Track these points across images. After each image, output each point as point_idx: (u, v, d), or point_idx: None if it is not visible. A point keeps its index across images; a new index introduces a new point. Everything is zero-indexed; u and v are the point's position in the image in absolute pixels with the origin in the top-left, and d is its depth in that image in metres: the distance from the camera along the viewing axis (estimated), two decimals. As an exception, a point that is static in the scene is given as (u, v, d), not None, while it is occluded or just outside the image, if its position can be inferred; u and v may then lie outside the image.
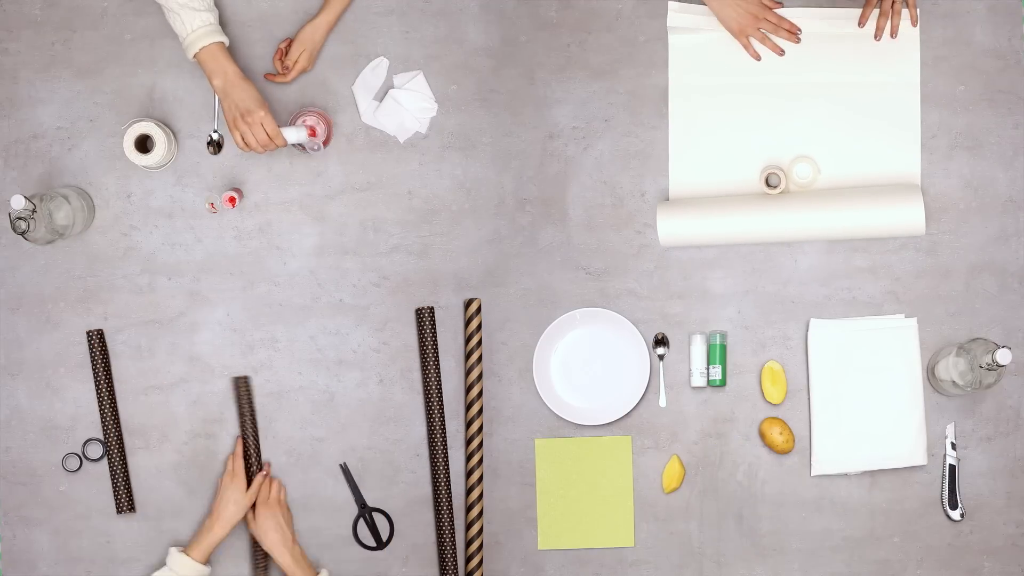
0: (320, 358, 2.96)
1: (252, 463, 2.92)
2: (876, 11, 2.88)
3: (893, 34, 2.86)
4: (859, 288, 2.92)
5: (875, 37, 2.86)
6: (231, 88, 2.79)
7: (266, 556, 2.92)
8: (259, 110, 2.78)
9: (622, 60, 2.95)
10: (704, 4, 2.87)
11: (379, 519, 2.95)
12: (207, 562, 2.86)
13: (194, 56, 2.79)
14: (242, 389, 2.92)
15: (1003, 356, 2.60)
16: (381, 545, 2.94)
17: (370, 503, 2.95)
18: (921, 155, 2.92)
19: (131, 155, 2.88)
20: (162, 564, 2.94)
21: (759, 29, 2.87)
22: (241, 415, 2.93)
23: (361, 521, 2.95)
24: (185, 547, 2.88)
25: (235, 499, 2.88)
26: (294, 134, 2.81)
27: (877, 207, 2.81)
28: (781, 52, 2.88)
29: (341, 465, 2.94)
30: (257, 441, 2.93)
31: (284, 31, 2.97)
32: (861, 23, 2.86)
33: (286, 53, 2.92)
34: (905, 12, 2.87)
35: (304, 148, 2.90)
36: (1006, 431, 2.90)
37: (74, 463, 2.96)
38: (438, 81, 2.96)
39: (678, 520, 2.93)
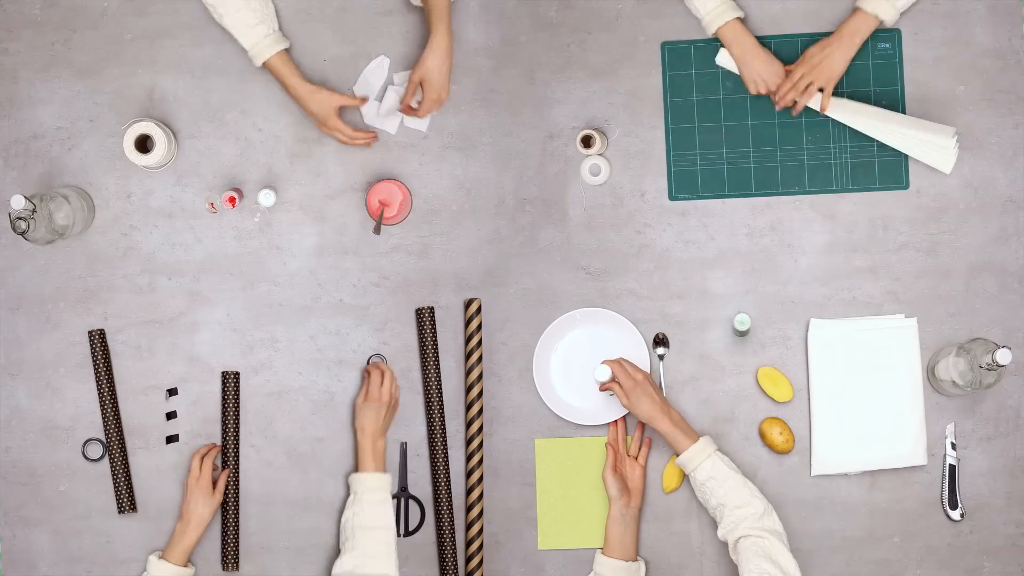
0: (320, 358, 2.96)
1: (228, 459, 2.93)
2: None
3: (795, 112, 2.90)
4: (859, 288, 2.92)
5: (776, 106, 2.90)
6: (299, 101, 2.87)
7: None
8: (328, 120, 2.86)
9: (622, 60, 2.95)
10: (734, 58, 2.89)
11: (406, 513, 2.94)
12: (187, 564, 2.87)
13: (263, 66, 2.88)
14: (230, 385, 2.92)
15: (1003, 356, 2.61)
16: (406, 532, 2.93)
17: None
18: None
19: (131, 155, 2.88)
20: (143, 572, 2.94)
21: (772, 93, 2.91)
22: (225, 411, 2.93)
23: (393, 504, 2.94)
24: (162, 552, 2.88)
25: (203, 500, 2.88)
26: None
27: (914, 126, 2.86)
28: (795, 110, 2.92)
29: (401, 443, 2.93)
30: (237, 437, 2.93)
31: (284, 29, 2.97)
32: (778, 106, 2.91)
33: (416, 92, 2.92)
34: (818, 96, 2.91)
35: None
36: (1006, 431, 2.90)
37: (96, 450, 2.96)
38: (438, 81, 2.96)
39: (678, 520, 2.93)
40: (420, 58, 2.83)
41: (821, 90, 2.87)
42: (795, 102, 2.88)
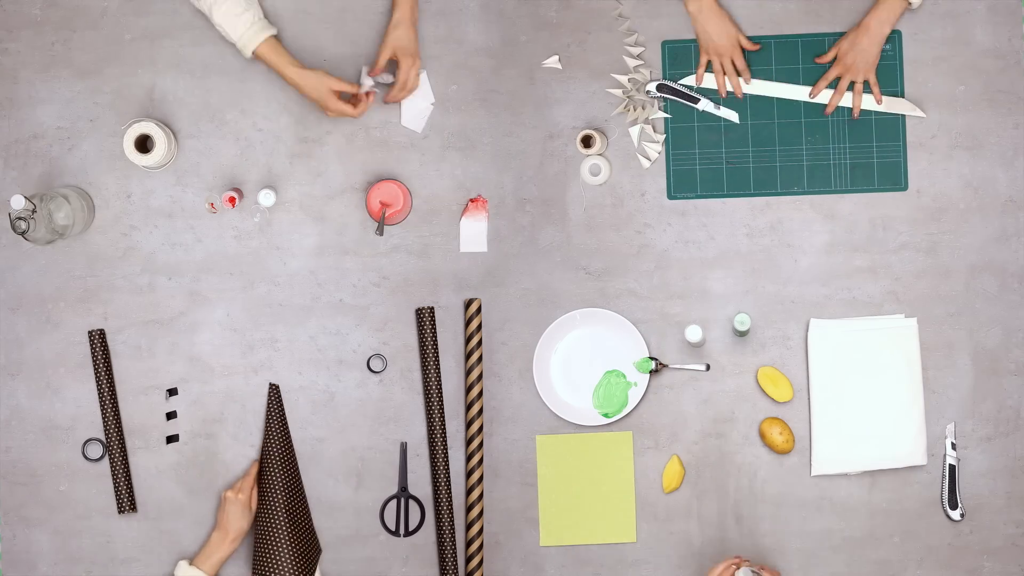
0: (320, 358, 2.96)
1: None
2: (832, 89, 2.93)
3: (855, 114, 2.90)
4: (859, 288, 2.92)
5: (825, 111, 2.90)
6: (295, 86, 2.85)
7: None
8: (328, 102, 2.84)
9: (621, 61, 2.95)
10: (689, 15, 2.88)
11: (406, 513, 2.95)
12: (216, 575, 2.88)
13: (253, 55, 2.85)
14: (272, 399, 2.92)
15: None
16: (406, 532, 2.93)
17: (370, 502, 2.95)
18: (921, 155, 2.92)
19: (131, 155, 2.88)
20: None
21: (723, 61, 2.89)
22: (270, 425, 2.92)
23: (391, 504, 2.94)
24: (192, 559, 2.88)
25: (242, 513, 2.87)
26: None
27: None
28: (731, 95, 2.90)
29: (401, 443, 2.93)
30: (290, 446, 2.93)
31: (284, 29, 2.97)
32: (812, 95, 2.90)
33: (385, 70, 2.91)
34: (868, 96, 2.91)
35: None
36: (1006, 431, 2.90)
37: (96, 450, 2.96)
38: (438, 81, 2.96)
39: (678, 520, 2.93)
40: (385, 32, 2.86)
41: (850, 85, 2.88)
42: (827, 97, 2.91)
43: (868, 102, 2.91)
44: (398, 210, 2.88)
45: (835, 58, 2.89)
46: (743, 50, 2.91)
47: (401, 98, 2.91)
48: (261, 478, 2.89)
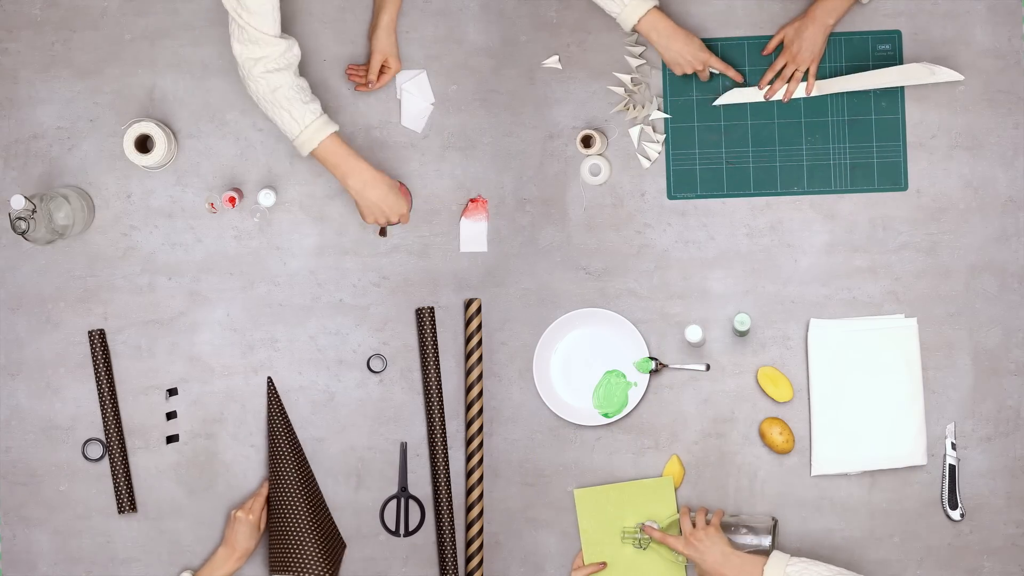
0: (320, 358, 2.96)
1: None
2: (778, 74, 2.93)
3: (785, 98, 2.90)
4: (859, 288, 2.92)
5: (765, 96, 2.90)
6: (369, 189, 2.76)
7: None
8: (401, 211, 2.79)
9: (621, 60, 2.95)
10: (653, 43, 2.85)
11: (406, 513, 2.95)
12: None
13: (310, 153, 2.74)
14: (271, 392, 2.92)
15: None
16: (406, 532, 2.93)
17: (370, 502, 2.95)
18: (921, 155, 2.92)
19: (131, 155, 2.88)
20: None
21: (703, 74, 2.90)
22: (272, 418, 2.92)
23: (391, 504, 2.94)
24: (196, 572, 2.88)
25: (251, 533, 2.87)
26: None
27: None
28: (740, 76, 2.91)
29: (401, 443, 2.93)
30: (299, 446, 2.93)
31: (284, 29, 2.97)
32: (760, 85, 2.91)
33: (368, 69, 2.92)
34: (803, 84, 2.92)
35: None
36: (1006, 431, 2.90)
37: (96, 450, 2.96)
38: (438, 81, 2.96)
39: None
40: (376, 39, 2.88)
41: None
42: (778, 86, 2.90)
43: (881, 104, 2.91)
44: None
45: (780, 48, 2.89)
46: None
47: (372, 90, 2.93)
48: (274, 472, 2.89)
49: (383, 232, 2.82)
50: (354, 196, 2.76)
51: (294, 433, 2.92)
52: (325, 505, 2.92)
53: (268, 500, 2.90)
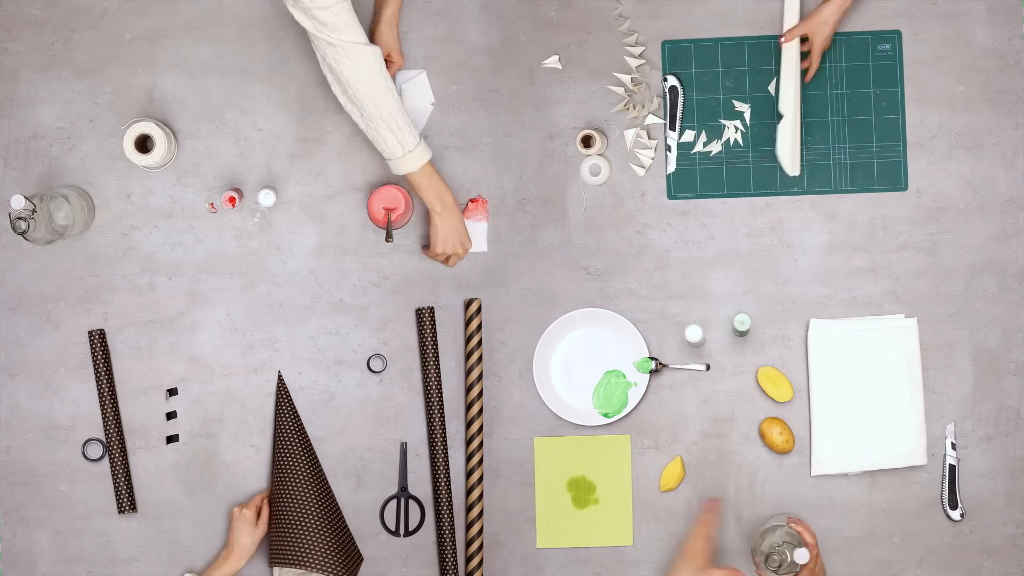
0: (320, 358, 2.96)
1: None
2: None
3: (807, 79, 2.90)
4: (859, 288, 2.92)
5: (781, 40, 2.87)
6: (453, 217, 2.81)
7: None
8: (468, 245, 2.83)
9: (621, 60, 2.95)
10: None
11: (406, 513, 2.95)
12: None
13: (406, 174, 2.77)
14: (280, 387, 2.92)
15: (800, 556, 2.61)
16: (406, 532, 2.93)
17: (370, 502, 2.95)
18: (921, 155, 2.92)
19: (131, 155, 2.88)
20: None
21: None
22: (281, 413, 2.92)
23: (391, 504, 2.94)
24: (199, 574, 2.88)
25: (247, 530, 2.87)
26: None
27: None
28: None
29: (401, 443, 2.93)
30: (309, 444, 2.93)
31: (285, 30, 2.97)
32: (783, 40, 2.87)
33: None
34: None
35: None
36: (1006, 431, 2.90)
37: (96, 450, 2.96)
38: (438, 81, 2.96)
39: (677, 520, 2.93)
40: (379, 35, 2.88)
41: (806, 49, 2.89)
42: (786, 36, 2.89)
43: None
44: (400, 213, 2.88)
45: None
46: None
47: None
48: (279, 465, 2.89)
49: (389, 236, 2.82)
50: (436, 220, 2.80)
51: (303, 427, 2.92)
52: (338, 507, 2.92)
53: (271, 495, 2.89)
